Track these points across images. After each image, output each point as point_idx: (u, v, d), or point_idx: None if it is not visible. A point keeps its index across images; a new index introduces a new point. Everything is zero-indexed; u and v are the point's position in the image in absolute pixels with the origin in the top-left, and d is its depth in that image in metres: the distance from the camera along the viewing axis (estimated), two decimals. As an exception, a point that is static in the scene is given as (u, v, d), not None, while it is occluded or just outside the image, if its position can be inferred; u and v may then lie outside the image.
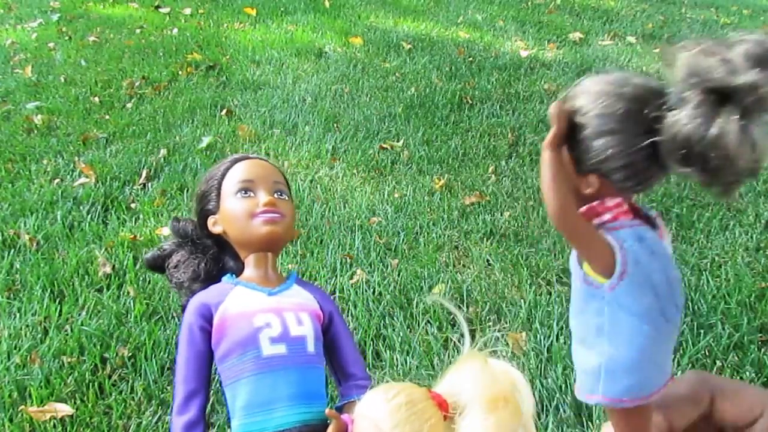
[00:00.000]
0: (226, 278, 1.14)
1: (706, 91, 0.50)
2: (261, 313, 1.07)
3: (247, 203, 1.12)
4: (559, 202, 0.58)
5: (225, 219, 1.14)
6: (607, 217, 0.60)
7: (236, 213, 1.12)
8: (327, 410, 0.95)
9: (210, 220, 1.16)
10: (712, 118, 0.50)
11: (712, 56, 0.50)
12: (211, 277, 1.16)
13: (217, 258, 1.19)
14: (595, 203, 0.60)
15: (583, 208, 0.60)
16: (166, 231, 2.56)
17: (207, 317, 1.06)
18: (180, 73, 4.35)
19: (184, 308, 1.10)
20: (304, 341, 1.08)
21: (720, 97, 0.50)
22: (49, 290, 2.25)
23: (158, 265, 1.22)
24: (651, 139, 0.54)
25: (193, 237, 1.20)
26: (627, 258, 0.57)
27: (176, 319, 2.09)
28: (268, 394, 1.02)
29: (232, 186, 1.14)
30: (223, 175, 1.17)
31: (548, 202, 0.58)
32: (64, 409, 1.75)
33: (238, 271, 1.17)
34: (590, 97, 0.57)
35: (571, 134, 0.58)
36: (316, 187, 2.97)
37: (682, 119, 0.51)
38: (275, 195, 1.15)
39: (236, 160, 1.19)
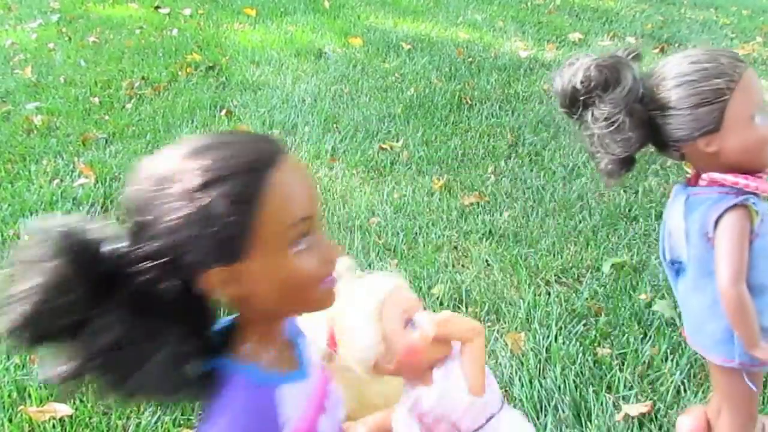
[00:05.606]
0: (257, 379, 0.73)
1: None
2: (322, 417, 0.79)
3: (313, 259, 0.71)
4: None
5: (265, 280, 0.68)
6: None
7: (301, 276, 0.70)
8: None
9: (216, 274, 0.67)
10: None
11: None
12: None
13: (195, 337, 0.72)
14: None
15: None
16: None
17: None
18: (180, 73, 4.35)
19: None
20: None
21: None
22: (48, 290, 2.25)
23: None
24: None
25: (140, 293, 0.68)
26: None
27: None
28: None
29: (285, 226, 0.68)
30: (257, 199, 0.66)
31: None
32: (64, 410, 1.75)
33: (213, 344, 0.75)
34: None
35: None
36: (316, 188, 2.97)
37: None
38: None
39: (268, 163, 0.69)
